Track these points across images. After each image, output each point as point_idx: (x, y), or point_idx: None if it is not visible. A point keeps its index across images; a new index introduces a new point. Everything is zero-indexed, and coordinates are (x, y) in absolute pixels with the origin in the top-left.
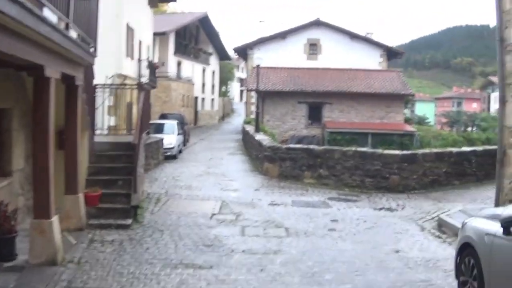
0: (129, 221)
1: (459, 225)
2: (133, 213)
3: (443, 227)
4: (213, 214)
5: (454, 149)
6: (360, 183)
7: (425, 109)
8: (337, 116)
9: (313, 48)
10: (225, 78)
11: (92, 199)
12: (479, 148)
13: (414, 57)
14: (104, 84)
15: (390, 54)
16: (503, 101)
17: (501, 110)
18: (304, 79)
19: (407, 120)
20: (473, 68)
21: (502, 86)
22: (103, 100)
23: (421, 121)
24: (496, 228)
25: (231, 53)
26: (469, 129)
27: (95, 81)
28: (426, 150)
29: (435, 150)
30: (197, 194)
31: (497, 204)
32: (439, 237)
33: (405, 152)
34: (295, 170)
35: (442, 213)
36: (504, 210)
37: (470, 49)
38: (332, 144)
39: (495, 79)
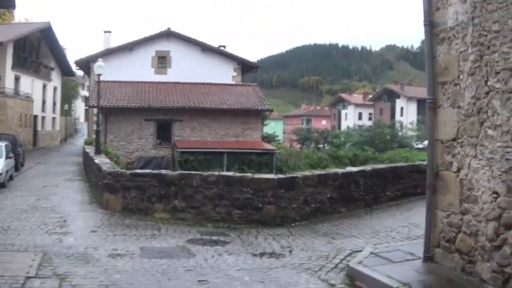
0: None
1: (379, 277)
2: None
3: (357, 281)
4: (28, 278)
5: (340, 170)
6: (227, 216)
7: (275, 127)
8: (188, 135)
9: (162, 61)
10: (68, 95)
11: None
12: (367, 167)
13: (261, 76)
14: None
15: (245, 67)
16: (433, 107)
17: (431, 119)
18: (152, 95)
19: (265, 138)
20: (321, 86)
21: (433, 87)
22: None
23: (271, 138)
24: None
25: (75, 68)
26: (320, 146)
27: None
28: (307, 173)
29: (317, 172)
30: (12, 243)
31: (428, 245)
32: None
33: (281, 176)
34: (143, 202)
35: (347, 256)
36: None
37: (319, 68)
38: (184, 166)
39: (345, 95)
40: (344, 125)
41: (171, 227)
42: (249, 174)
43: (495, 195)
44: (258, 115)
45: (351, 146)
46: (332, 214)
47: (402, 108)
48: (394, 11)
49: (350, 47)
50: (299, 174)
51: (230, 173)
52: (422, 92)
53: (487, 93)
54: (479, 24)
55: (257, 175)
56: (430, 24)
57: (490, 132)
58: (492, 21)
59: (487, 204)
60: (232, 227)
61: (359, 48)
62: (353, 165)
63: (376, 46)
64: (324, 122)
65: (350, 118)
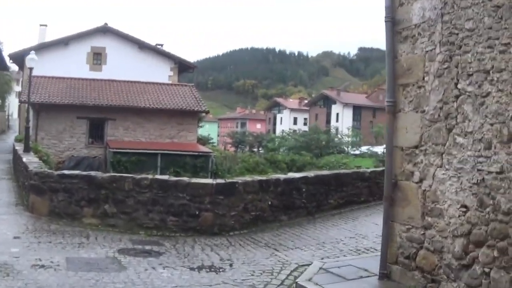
0: None
1: None
2: None
3: None
4: None
5: (282, 176)
6: (161, 224)
7: (209, 130)
8: (122, 135)
9: (98, 57)
10: (1, 90)
11: None
12: (310, 174)
13: (197, 78)
14: None
15: (181, 67)
16: (393, 111)
17: (391, 124)
18: (86, 92)
19: (199, 140)
20: (256, 90)
21: (393, 89)
22: None
23: (205, 141)
24: None
25: (9, 62)
26: (255, 149)
27: None
28: (248, 179)
29: (258, 178)
30: None
31: (385, 261)
32: None
33: (220, 181)
34: (71, 206)
35: (294, 271)
36: None
37: (255, 72)
38: (116, 167)
39: (280, 100)
40: (279, 129)
41: (100, 235)
42: (185, 179)
43: (463, 209)
44: (194, 116)
45: (286, 150)
46: (273, 222)
47: (338, 114)
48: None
49: (287, 52)
50: (239, 179)
51: (165, 177)
52: (358, 98)
53: (457, 97)
54: (450, 22)
55: (194, 180)
56: (392, 21)
57: (459, 139)
58: (465, 18)
59: (454, 219)
60: (167, 236)
61: (296, 54)
62: (290, 170)
63: (313, 52)
64: (259, 125)
65: (285, 123)
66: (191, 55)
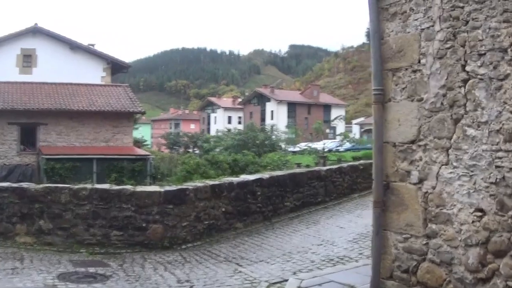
0: None
1: None
2: None
3: None
4: None
5: (235, 179)
6: (104, 239)
7: (143, 132)
8: (55, 140)
9: (28, 59)
10: None
11: None
12: (265, 175)
13: (129, 79)
14: None
15: (115, 68)
16: (382, 101)
17: (379, 116)
18: (16, 96)
19: (135, 143)
20: (188, 90)
21: (380, 75)
22: None
23: (140, 144)
24: None
25: None
26: (190, 150)
27: None
28: (199, 184)
29: (210, 182)
30: None
31: (378, 277)
32: None
33: (169, 188)
34: (2, 223)
35: None
36: None
37: (186, 72)
38: (50, 175)
39: (214, 99)
40: (213, 129)
41: (36, 256)
42: (129, 187)
43: (479, 214)
44: (130, 118)
45: (222, 150)
46: (228, 231)
47: (272, 112)
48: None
49: (219, 51)
50: (189, 185)
51: (106, 186)
52: (292, 95)
53: (465, 81)
54: None
55: (139, 188)
56: None
57: (471, 131)
58: None
59: (466, 225)
60: (111, 253)
61: (227, 53)
62: (233, 171)
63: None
64: (193, 126)
65: (219, 122)
66: (123, 57)
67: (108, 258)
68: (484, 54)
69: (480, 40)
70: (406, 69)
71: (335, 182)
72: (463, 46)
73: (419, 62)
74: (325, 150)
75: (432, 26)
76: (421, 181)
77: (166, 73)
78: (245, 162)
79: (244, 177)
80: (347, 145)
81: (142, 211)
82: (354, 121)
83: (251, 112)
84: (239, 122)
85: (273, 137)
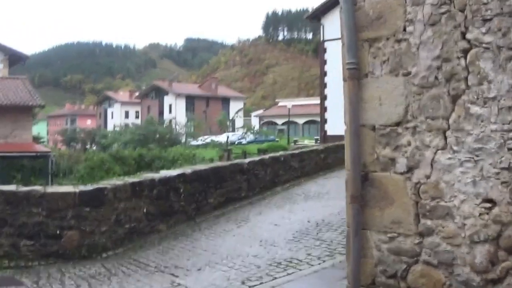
0: None
1: None
2: None
3: None
4: None
5: (156, 175)
6: (13, 250)
7: (39, 128)
8: None
9: None
10: None
11: None
12: (187, 170)
13: (24, 75)
14: None
15: (12, 60)
16: (357, 76)
17: (353, 94)
18: None
19: (34, 139)
20: (84, 85)
21: (354, 46)
22: None
23: (36, 140)
24: None
25: None
26: (88, 146)
27: None
28: (118, 182)
29: (130, 179)
30: None
31: (357, 285)
32: None
33: (84, 188)
34: None
35: None
36: None
37: (81, 66)
38: None
39: (110, 93)
40: (110, 124)
41: None
42: (38, 188)
43: (487, 205)
44: (29, 113)
45: (121, 145)
46: (150, 234)
47: (170, 105)
48: (159, 9)
49: (114, 45)
50: (107, 184)
51: (11, 188)
52: (190, 88)
53: (465, 51)
54: None
55: (50, 189)
56: None
57: (475, 109)
58: None
59: (471, 219)
60: (23, 267)
61: (123, 46)
62: (139, 166)
63: (140, 45)
64: (89, 121)
65: (116, 117)
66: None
67: (21, 273)
68: (490, 19)
69: (485, 4)
70: (388, 38)
71: (257, 175)
72: (462, 10)
73: (404, 30)
74: (229, 143)
75: None
76: (410, 169)
77: (62, 68)
78: (151, 157)
79: (166, 173)
80: (250, 137)
81: (55, 216)
82: (253, 114)
83: (149, 106)
84: (137, 117)
85: (174, 130)
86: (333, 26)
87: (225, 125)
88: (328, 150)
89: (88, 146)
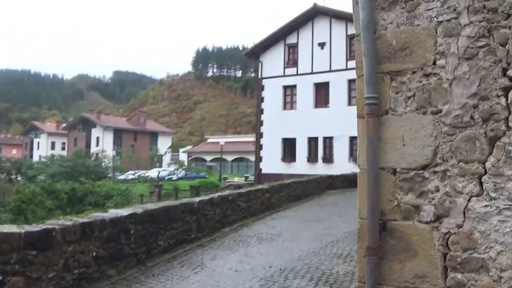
0: None
1: None
2: None
3: None
4: None
5: (107, 215)
6: None
7: None
8: None
9: None
10: None
11: None
12: (138, 210)
13: None
14: None
15: None
16: (376, 113)
17: (373, 133)
18: None
19: None
20: (10, 114)
21: (373, 78)
22: None
23: None
24: None
25: None
26: (13, 176)
27: None
28: (67, 222)
29: (80, 220)
30: None
31: None
32: None
33: (30, 229)
34: None
35: None
36: None
37: (9, 94)
38: None
39: (38, 123)
40: (36, 154)
41: None
42: None
43: None
44: None
45: (47, 177)
46: (100, 281)
47: (98, 138)
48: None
49: (42, 74)
50: (55, 224)
51: None
52: (118, 121)
53: (507, 89)
54: None
55: None
56: None
57: None
58: None
59: (509, 272)
60: None
61: (51, 76)
62: (71, 200)
63: (68, 75)
64: (14, 151)
65: (42, 148)
66: None
67: None
68: None
69: None
70: (414, 72)
71: (206, 215)
72: (503, 45)
73: (434, 63)
74: (160, 178)
75: (456, 18)
76: (438, 218)
77: None
78: (84, 191)
79: (116, 212)
80: (182, 173)
81: None
82: (181, 150)
83: (76, 138)
84: (63, 148)
85: (103, 164)
86: (271, 63)
87: (157, 159)
88: (273, 189)
89: (13, 176)
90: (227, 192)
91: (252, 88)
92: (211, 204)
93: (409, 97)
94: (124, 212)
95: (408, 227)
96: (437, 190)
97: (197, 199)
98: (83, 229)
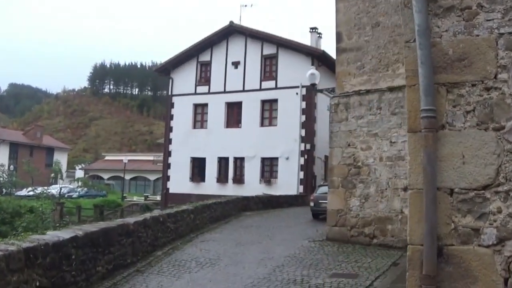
0: None
1: None
2: None
3: None
4: None
5: (49, 239)
6: None
7: None
8: None
9: None
10: None
11: None
12: (79, 232)
13: None
14: None
15: None
16: (435, 128)
17: (430, 150)
18: None
19: None
20: None
21: (429, 88)
22: None
23: None
24: None
25: None
26: None
27: None
28: (10, 247)
29: (23, 245)
30: None
31: None
32: None
33: None
34: None
35: None
36: None
37: None
38: None
39: None
40: None
41: None
42: None
43: None
44: None
45: None
46: None
47: None
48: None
49: None
50: None
51: None
52: (15, 135)
53: None
54: None
55: None
56: None
57: None
58: None
59: None
60: None
61: None
62: None
63: None
64: None
65: None
66: None
67: None
68: None
69: None
70: (474, 85)
71: (140, 237)
72: None
73: (495, 77)
74: (61, 195)
75: None
76: (501, 241)
77: None
78: None
79: (56, 234)
80: (83, 191)
81: None
82: (77, 166)
83: None
84: None
85: (1, 179)
86: (182, 80)
87: (60, 176)
88: (197, 210)
89: None
90: (157, 213)
91: (148, 107)
92: (144, 226)
93: (468, 112)
94: (64, 234)
95: (468, 252)
96: (499, 211)
97: (131, 220)
98: (27, 256)
